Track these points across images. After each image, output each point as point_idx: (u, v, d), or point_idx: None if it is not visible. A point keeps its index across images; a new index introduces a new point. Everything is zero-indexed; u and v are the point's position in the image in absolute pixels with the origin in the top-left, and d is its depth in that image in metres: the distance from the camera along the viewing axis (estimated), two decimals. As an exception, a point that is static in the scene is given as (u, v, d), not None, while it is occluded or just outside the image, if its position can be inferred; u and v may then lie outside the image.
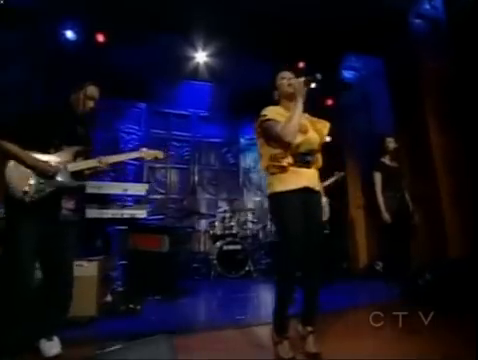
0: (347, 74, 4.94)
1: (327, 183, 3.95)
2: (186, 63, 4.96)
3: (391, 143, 3.52)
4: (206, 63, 4.95)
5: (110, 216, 2.91)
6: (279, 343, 1.74)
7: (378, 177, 3.51)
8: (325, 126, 1.95)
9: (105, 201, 3.01)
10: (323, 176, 3.91)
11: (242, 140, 6.20)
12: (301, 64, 4.79)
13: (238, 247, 4.36)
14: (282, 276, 1.76)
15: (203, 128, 5.95)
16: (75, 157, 2.01)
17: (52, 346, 1.84)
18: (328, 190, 4.04)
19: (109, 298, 2.77)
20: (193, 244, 4.72)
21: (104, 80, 4.67)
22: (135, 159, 2.24)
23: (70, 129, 2.01)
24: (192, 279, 3.99)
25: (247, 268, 4.28)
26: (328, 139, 5.14)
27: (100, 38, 3.78)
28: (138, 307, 2.70)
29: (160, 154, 2.32)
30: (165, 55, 4.74)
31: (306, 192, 1.80)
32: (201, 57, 4.84)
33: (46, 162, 1.86)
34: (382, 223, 3.36)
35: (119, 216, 2.96)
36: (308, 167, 1.85)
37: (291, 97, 1.86)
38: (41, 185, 1.82)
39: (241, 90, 5.52)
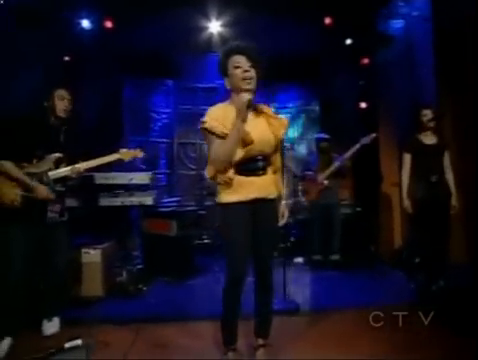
0: (388, 25, 4.14)
1: (351, 152, 3.58)
2: (207, 35, 4.77)
3: (427, 116, 2.93)
4: (227, 32, 4.69)
5: (119, 203, 3.13)
6: (225, 353, 1.74)
7: (407, 158, 3.02)
8: (282, 125, 1.71)
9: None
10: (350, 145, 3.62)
11: (274, 110, 5.86)
12: (328, 20, 4.16)
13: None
14: (226, 288, 1.69)
15: (232, 100, 5.77)
16: (57, 164, 2.16)
17: (51, 326, 2.18)
18: (354, 159, 3.69)
19: (124, 277, 3.09)
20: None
21: (128, 62, 4.83)
22: (112, 161, 2.29)
23: (50, 139, 2.15)
24: (209, 259, 4.14)
25: (268, 246, 4.27)
26: (363, 105, 4.56)
27: (108, 24, 3.80)
28: (144, 288, 2.97)
29: (139, 153, 2.36)
30: (184, 29, 4.60)
31: (257, 202, 1.64)
32: (217, 27, 4.60)
33: (31, 173, 2.06)
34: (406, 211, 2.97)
35: (128, 203, 3.17)
36: (260, 174, 1.65)
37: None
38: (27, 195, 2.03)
39: (268, 56, 5.12)
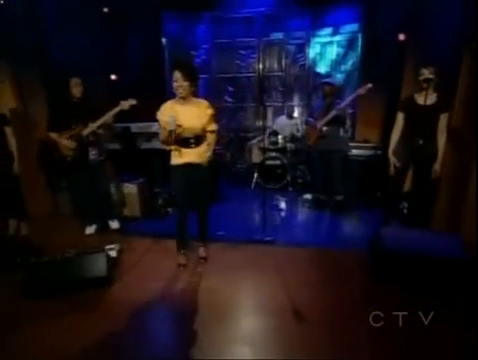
0: None
1: (346, 102, 3.64)
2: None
3: (423, 75, 2.79)
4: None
5: (150, 147, 4.01)
6: (179, 254, 2.78)
7: (400, 117, 3.05)
8: (205, 114, 2.52)
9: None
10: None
11: (313, 38, 5.52)
12: None
13: (278, 162, 4.86)
14: (177, 214, 2.73)
15: (269, 30, 5.61)
16: (86, 124, 3.15)
17: (114, 224, 3.53)
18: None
19: (159, 202, 4.16)
20: (245, 155, 5.47)
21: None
22: (117, 112, 3.16)
23: (76, 112, 3.12)
24: (232, 188, 4.94)
25: (284, 182, 4.85)
26: (402, 38, 4.14)
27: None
28: (170, 211, 4.03)
29: (133, 101, 3.13)
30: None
31: (190, 165, 2.56)
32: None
33: (73, 135, 3.14)
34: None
35: (157, 147, 4.01)
36: (191, 147, 2.54)
37: (182, 97, 2.45)
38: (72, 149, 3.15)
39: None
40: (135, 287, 2.51)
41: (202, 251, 2.91)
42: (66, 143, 3.11)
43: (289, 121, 5.32)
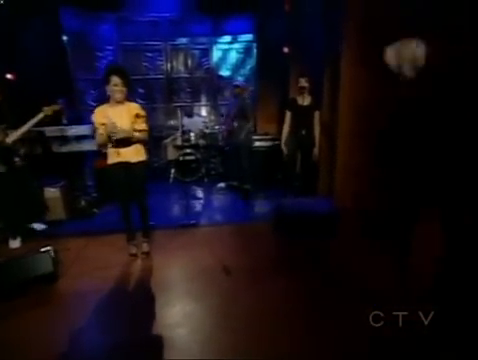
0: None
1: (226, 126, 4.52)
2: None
3: (300, 83, 3.74)
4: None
5: (67, 150, 4.05)
6: (129, 245, 3.11)
7: (288, 115, 3.95)
8: (134, 115, 2.80)
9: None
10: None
11: (215, 44, 6.18)
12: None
13: (193, 157, 5.41)
14: (120, 210, 2.97)
15: (174, 34, 6.02)
16: (6, 131, 3.14)
17: (39, 226, 3.54)
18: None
19: (83, 204, 4.24)
20: (161, 153, 5.84)
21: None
22: (40, 119, 3.19)
23: None
24: (155, 183, 5.27)
25: (200, 174, 5.43)
26: (286, 50, 5.03)
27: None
28: (97, 211, 4.17)
29: (57, 107, 3.24)
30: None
31: (124, 163, 2.82)
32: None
33: None
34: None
35: (76, 149, 4.09)
36: (124, 147, 2.78)
37: (118, 101, 2.67)
38: None
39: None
40: (79, 279, 2.76)
41: (145, 246, 3.14)
42: None
43: (190, 120, 5.92)
